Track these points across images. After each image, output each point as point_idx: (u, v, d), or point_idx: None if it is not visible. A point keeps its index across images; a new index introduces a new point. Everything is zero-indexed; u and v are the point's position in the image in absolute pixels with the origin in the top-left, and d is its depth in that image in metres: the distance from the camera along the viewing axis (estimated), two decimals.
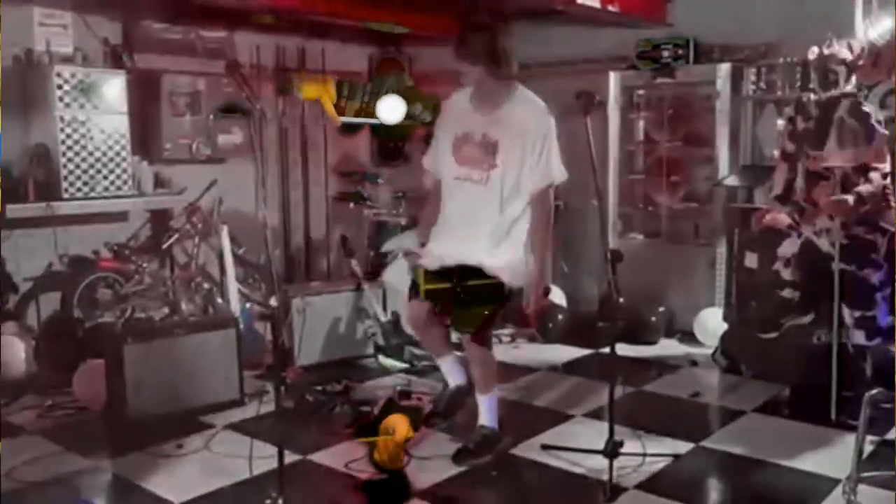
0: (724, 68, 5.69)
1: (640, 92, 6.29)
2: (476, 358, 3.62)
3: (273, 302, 3.46)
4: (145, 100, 5.88)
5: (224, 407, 4.35)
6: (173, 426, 4.03)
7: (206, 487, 3.36)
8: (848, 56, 4.54)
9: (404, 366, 5.23)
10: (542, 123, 3.47)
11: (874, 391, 2.56)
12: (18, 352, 4.59)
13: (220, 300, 5.37)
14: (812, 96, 4.59)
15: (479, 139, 3.44)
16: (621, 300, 4.48)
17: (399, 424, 3.41)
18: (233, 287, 5.01)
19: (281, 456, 2.89)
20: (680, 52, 5.91)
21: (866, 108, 4.39)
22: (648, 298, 5.92)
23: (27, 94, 5.35)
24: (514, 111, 3.50)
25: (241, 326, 4.66)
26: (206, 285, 5.48)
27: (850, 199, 4.18)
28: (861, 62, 4.76)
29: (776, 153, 5.00)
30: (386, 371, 5.21)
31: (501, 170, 3.40)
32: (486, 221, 3.45)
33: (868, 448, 3.23)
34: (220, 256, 5.21)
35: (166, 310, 5.24)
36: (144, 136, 5.89)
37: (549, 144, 3.43)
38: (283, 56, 6.97)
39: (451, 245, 3.49)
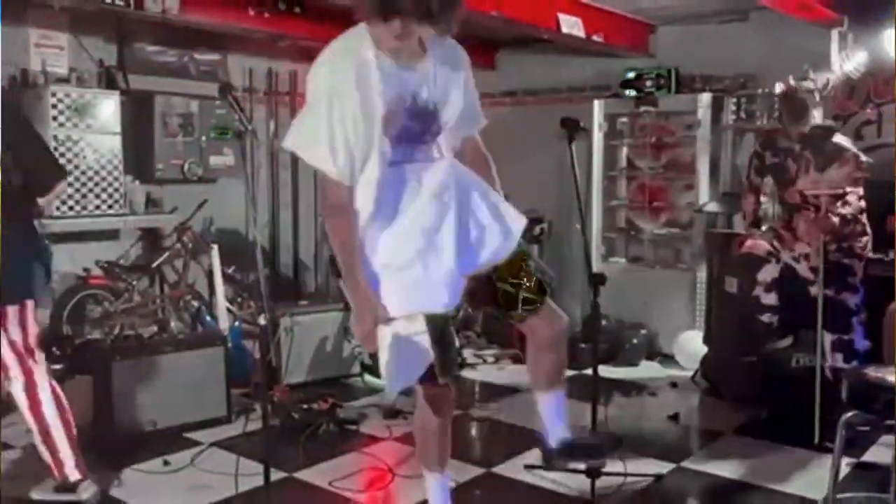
0: (705, 98, 5.73)
1: (624, 120, 6.36)
2: (555, 332, 2.69)
3: (262, 320, 3.43)
4: (138, 120, 5.88)
5: (211, 424, 4.34)
6: (160, 443, 4.02)
7: None
8: (812, 88, 4.61)
9: None
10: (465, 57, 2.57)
11: (850, 413, 2.57)
12: None
13: (208, 318, 5.36)
14: (785, 127, 4.64)
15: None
16: (604, 322, 4.50)
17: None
18: (222, 305, 5.00)
19: (267, 473, 2.88)
20: (662, 81, 5.97)
21: (837, 137, 4.45)
22: (630, 321, 5.94)
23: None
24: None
25: (230, 344, 4.65)
26: (195, 303, 5.48)
27: (836, 219, 4.25)
28: (831, 95, 4.83)
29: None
30: (372, 390, 5.20)
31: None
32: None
33: (845, 470, 3.25)
34: (210, 275, 5.21)
35: (155, 328, 5.22)
36: (137, 156, 5.87)
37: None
38: (276, 79, 7.01)
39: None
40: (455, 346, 2.52)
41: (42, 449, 3.29)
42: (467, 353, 5.99)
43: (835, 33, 5.02)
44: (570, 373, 5.34)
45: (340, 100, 2.12)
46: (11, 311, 3.20)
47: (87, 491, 3.31)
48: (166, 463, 3.83)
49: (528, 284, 2.51)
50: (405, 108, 2.28)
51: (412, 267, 2.26)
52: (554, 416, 2.70)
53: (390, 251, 2.28)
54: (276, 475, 3.30)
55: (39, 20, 5.32)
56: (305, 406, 4.55)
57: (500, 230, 2.45)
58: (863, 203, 4.42)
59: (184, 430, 4.24)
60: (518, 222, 2.53)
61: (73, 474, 3.28)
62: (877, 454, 3.77)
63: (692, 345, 5.50)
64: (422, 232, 2.28)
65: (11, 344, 3.23)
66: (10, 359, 3.25)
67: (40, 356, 3.37)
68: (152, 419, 4.14)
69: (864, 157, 4.49)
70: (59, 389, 3.38)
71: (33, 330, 3.33)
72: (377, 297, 2.24)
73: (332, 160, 2.12)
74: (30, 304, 3.29)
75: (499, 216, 2.49)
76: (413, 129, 2.35)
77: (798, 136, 4.53)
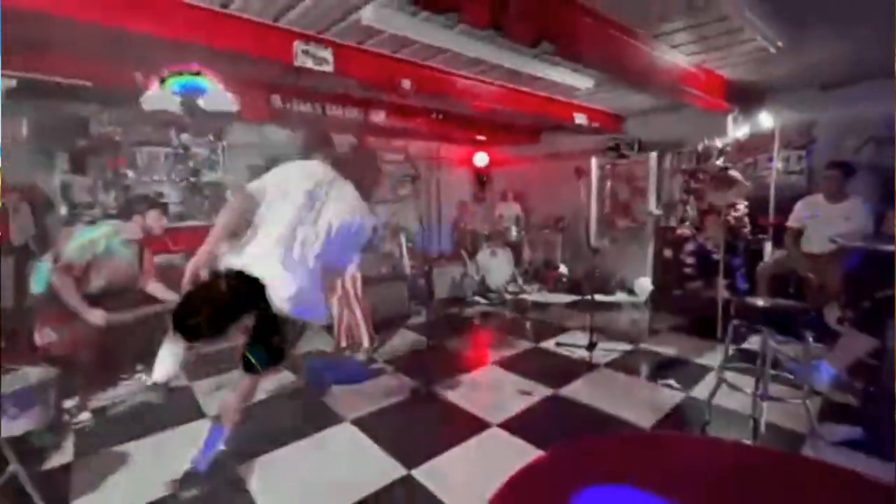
0: (654, 154, 5.47)
1: (608, 167, 6.08)
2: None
3: (425, 268, 3.60)
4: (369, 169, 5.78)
5: (402, 319, 4.37)
6: (385, 326, 4.00)
7: None
8: (719, 146, 4.46)
9: None
10: None
11: (735, 322, 2.45)
12: None
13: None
14: (702, 167, 4.47)
15: None
16: (597, 272, 4.43)
17: None
18: (406, 260, 4.90)
19: (429, 342, 2.87)
20: (631, 146, 5.73)
21: (732, 172, 4.23)
22: (611, 271, 5.76)
23: None
24: None
25: (408, 279, 4.68)
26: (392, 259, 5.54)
27: (731, 219, 4.07)
28: (728, 149, 4.61)
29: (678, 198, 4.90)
30: (476, 303, 5.12)
31: None
32: None
33: (732, 350, 3.11)
34: (400, 246, 5.12)
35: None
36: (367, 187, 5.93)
37: None
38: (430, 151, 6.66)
39: None
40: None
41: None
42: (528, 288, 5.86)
43: (730, 116, 4.68)
44: (576, 299, 5.39)
45: None
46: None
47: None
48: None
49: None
50: None
51: None
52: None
53: None
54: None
55: None
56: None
57: None
58: (746, 209, 4.26)
59: (390, 319, 4.24)
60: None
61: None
62: (751, 343, 3.60)
63: (645, 284, 5.31)
64: None
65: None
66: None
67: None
68: (380, 312, 4.01)
69: (747, 183, 4.29)
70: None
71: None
72: None
73: None
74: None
75: None
76: None
77: (710, 172, 4.38)
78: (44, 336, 2.35)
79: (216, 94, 2.86)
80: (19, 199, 3.63)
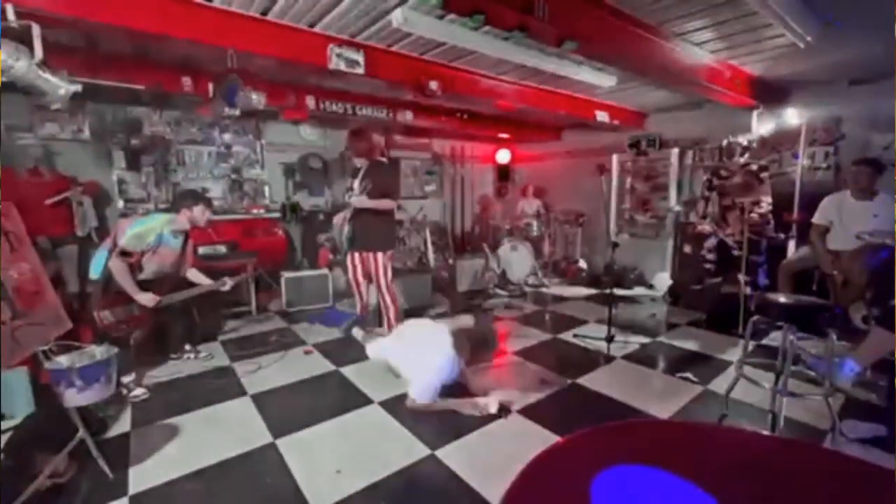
0: (675, 151, 5.36)
1: (629, 164, 5.99)
2: None
3: (451, 261, 3.63)
4: (396, 174, 5.55)
5: (426, 306, 4.38)
6: (410, 313, 3.99)
7: None
8: (743, 143, 4.34)
9: None
10: None
11: (755, 318, 2.42)
12: None
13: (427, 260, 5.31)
14: (725, 164, 4.36)
15: None
16: (616, 266, 4.41)
17: None
18: (430, 254, 5.03)
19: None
20: (652, 143, 5.63)
21: (753, 167, 4.12)
22: (630, 266, 5.69)
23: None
24: None
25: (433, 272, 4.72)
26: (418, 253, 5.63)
27: (754, 215, 3.99)
28: (753, 147, 4.49)
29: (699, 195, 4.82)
30: (498, 295, 5.07)
31: None
32: None
33: (751, 346, 3.06)
34: (425, 241, 5.17)
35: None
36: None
37: None
38: (452, 150, 6.81)
39: None
40: None
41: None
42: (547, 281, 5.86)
43: (755, 113, 4.54)
44: (595, 292, 5.36)
45: None
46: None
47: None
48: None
49: None
50: None
51: None
52: None
53: None
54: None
55: None
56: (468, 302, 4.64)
57: None
58: (770, 206, 4.13)
59: (414, 309, 4.25)
60: None
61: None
62: (770, 339, 3.52)
63: (663, 279, 5.23)
64: None
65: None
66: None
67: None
68: (405, 302, 4.12)
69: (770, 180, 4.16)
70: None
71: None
72: None
73: None
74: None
75: None
76: None
77: (733, 170, 4.28)
78: (103, 317, 2.51)
79: (255, 97, 2.97)
80: (82, 193, 3.85)
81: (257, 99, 2.95)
